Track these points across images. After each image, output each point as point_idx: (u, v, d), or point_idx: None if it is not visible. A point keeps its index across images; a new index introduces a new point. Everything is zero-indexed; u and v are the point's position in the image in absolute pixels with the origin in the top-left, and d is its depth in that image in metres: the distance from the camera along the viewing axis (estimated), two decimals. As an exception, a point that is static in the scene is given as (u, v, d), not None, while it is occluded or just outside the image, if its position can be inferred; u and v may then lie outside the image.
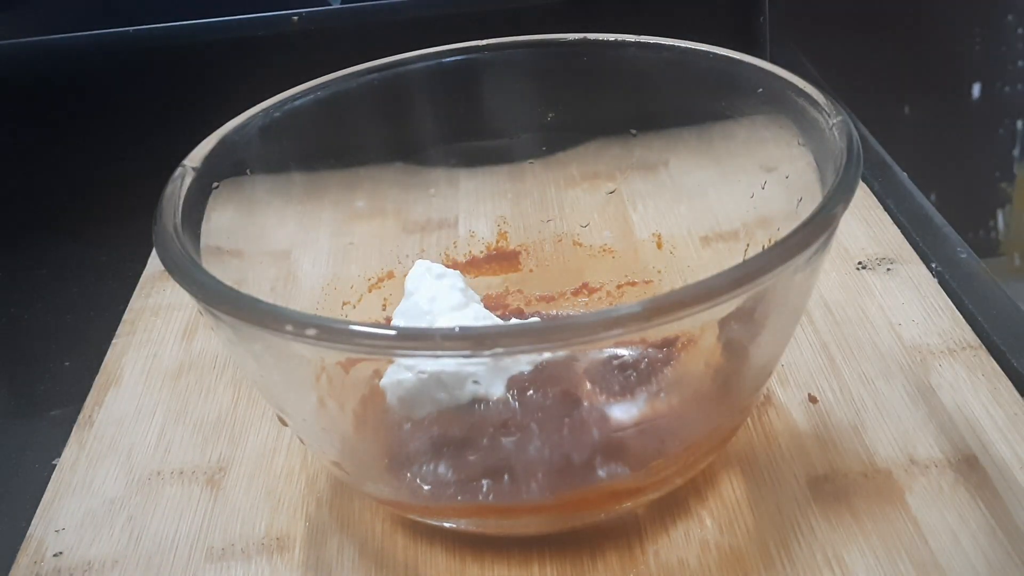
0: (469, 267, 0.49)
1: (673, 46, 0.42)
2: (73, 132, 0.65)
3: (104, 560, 0.38)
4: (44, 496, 0.41)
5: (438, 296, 0.43)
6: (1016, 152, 0.77)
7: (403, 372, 0.36)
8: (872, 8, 0.74)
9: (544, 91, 0.46)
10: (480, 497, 0.34)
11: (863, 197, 0.55)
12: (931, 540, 0.35)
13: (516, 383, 0.36)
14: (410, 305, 0.44)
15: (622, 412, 0.35)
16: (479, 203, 0.51)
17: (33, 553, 0.39)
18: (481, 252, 0.50)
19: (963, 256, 0.48)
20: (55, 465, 0.43)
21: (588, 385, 0.36)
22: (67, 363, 0.51)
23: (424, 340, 0.28)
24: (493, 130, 0.48)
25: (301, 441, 0.39)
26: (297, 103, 0.42)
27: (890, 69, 0.75)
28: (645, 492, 0.36)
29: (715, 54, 0.41)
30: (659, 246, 0.47)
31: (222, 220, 0.38)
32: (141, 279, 0.55)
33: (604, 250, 0.49)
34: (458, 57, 0.45)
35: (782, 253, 0.29)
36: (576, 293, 0.48)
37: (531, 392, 0.36)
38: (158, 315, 0.52)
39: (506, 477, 0.34)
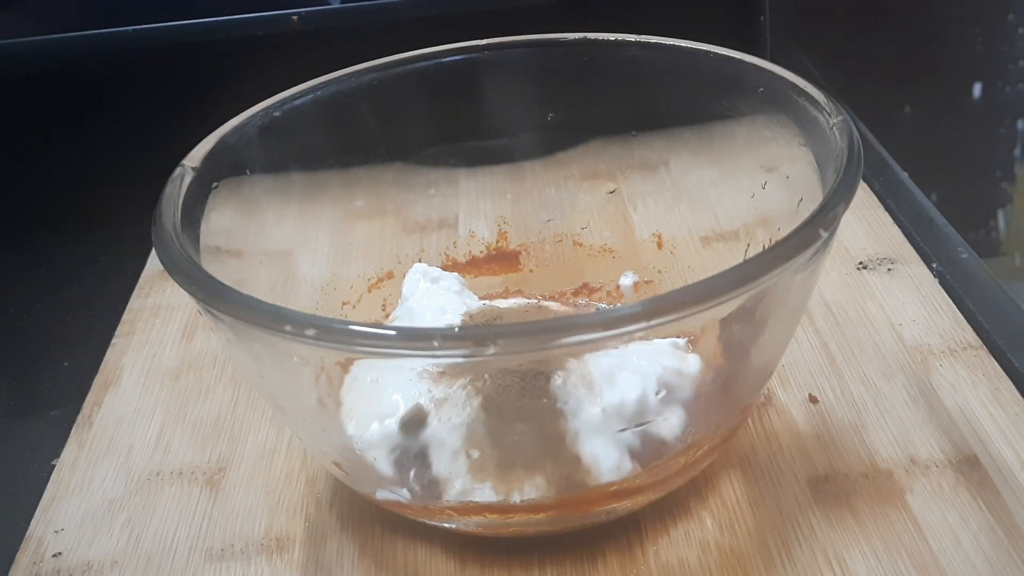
0: (469, 267, 0.49)
1: (673, 46, 0.42)
2: (73, 132, 0.65)
3: (103, 561, 0.38)
4: (43, 496, 0.41)
5: (432, 300, 0.43)
6: (1017, 152, 0.77)
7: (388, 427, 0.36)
8: (873, 7, 0.74)
9: (544, 91, 0.46)
10: (480, 497, 0.34)
11: (864, 197, 0.55)
12: (932, 540, 0.35)
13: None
14: (405, 311, 0.44)
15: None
16: (479, 203, 0.51)
17: (32, 553, 0.39)
18: (481, 252, 0.50)
19: (964, 256, 0.48)
20: (54, 465, 0.43)
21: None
22: (66, 363, 0.51)
23: (423, 340, 0.28)
24: (493, 130, 0.47)
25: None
26: (297, 103, 0.42)
27: (891, 68, 0.75)
28: (645, 492, 0.36)
29: (715, 54, 0.41)
30: (659, 246, 0.47)
31: (222, 220, 0.37)
32: (140, 279, 0.55)
33: (604, 250, 0.49)
34: (458, 57, 0.45)
35: (783, 253, 0.29)
36: (576, 293, 0.48)
37: (531, 392, 0.36)
38: (157, 315, 0.52)
39: (506, 477, 0.34)
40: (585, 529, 0.36)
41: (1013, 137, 0.77)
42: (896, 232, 0.52)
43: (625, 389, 0.35)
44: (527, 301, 0.47)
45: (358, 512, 0.39)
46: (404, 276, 0.45)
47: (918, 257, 0.49)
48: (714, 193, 0.45)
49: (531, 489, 0.34)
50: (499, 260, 0.49)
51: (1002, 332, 0.43)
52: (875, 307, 0.46)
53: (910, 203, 0.53)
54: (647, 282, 0.47)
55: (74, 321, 0.55)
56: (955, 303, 0.46)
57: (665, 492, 0.36)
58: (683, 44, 0.41)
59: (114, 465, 0.42)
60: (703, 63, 0.41)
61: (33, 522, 0.40)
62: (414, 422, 0.36)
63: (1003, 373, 0.42)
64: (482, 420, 0.35)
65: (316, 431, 0.37)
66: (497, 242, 0.50)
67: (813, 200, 0.32)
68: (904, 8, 0.75)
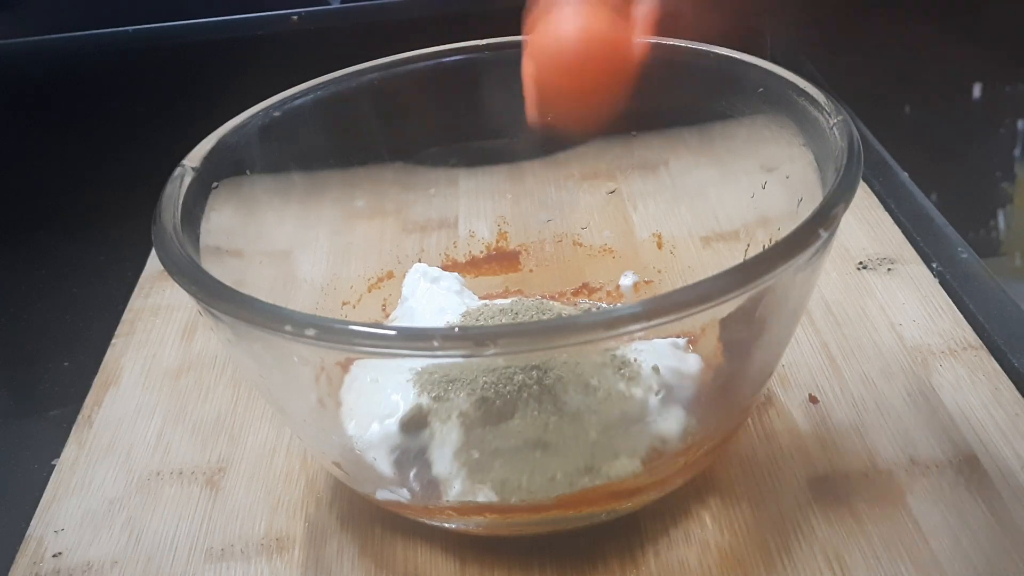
0: (469, 267, 0.49)
1: (673, 46, 0.41)
2: (73, 132, 0.65)
3: (103, 560, 0.38)
4: (43, 496, 0.41)
5: (432, 300, 0.43)
6: (1017, 152, 0.77)
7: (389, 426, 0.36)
8: (873, 6, 0.74)
9: (544, 91, 0.46)
10: (480, 497, 0.34)
11: (864, 197, 0.55)
12: (932, 540, 0.35)
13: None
14: (405, 311, 0.44)
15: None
16: (479, 203, 0.51)
17: (32, 553, 0.39)
18: (481, 252, 0.50)
19: (964, 256, 0.48)
20: (54, 465, 0.43)
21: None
22: (67, 363, 0.51)
23: (423, 340, 0.28)
24: (493, 130, 0.47)
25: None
26: (297, 103, 0.42)
27: (891, 68, 0.75)
28: (645, 492, 0.36)
29: (715, 53, 0.41)
30: (659, 246, 0.47)
31: (222, 220, 0.37)
32: (140, 279, 0.55)
33: (604, 250, 0.49)
34: (458, 57, 0.45)
35: (783, 253, 0.29)
36: (576, 293, 0.48)
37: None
38: (157, 315, 0.52)
39: (505, 477, 0.34)
40: (585, 529, 0.36)
41: (1013, 137, 0.77)
42: (896, 232, 0.52)
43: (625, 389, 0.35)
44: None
45: (358, 512, 0.39)
46: (404, 276, 0.46)
47: (918, 257, 0.49)
48: (714, 193, 0.45)
49: (531, 489, 0.34)
50: (499, 260, 0.49)
51: (1002, 332, 0.43)
52: (875, 307, 0.46)
53: (910, 203, 0.53)
54: (647, 282, 0.47)
55: (74, 321, 0.55)
56: (955, 303, 0.46)
57: (665, 492, 0.36)
58: (683, 44, 0.41)
59: (114, 465, 0.42)
60: (703, 63, 0.41)
61: (33, 522, 0.40)
62: (414, 422, 0.36)
63: (1003, 373, 0.42)
64: (482, 420, 0.35)
65: (316, 431, 0.37)
66: (497, 242, 0.50)
67: (813, 200, 0.32)
68: (904, 7, 0.75)
